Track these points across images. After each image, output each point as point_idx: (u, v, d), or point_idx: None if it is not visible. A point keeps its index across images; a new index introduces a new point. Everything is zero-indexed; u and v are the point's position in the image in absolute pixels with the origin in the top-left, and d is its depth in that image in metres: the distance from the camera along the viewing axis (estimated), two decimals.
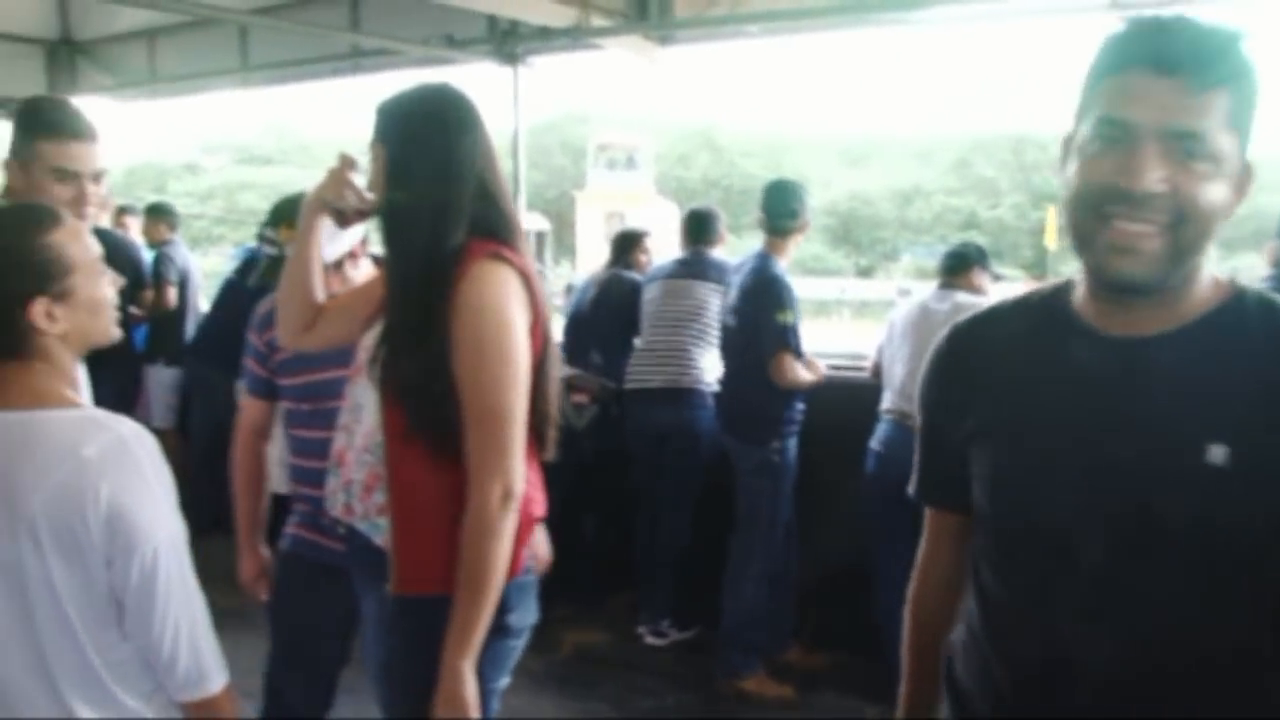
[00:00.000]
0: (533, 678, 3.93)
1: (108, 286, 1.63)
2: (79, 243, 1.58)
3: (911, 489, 1.52)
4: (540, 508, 2.00)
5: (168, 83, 7.29)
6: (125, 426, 1.53)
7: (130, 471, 1.49)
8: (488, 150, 1.93)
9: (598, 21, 4.92)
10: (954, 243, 4.21)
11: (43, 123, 2.24)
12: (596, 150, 31.17)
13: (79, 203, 2.22)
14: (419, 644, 1.86)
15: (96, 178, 2.25)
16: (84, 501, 1.45)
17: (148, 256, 6.18)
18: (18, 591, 1.49)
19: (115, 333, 1.66)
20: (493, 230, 1.90)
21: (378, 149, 1.90)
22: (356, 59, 6.35)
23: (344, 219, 2.03)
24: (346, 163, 2.02)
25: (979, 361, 1.39)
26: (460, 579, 1.80)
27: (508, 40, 5.38)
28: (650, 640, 4.60)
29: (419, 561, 1.86)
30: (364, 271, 2.54)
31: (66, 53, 7.61)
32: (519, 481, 1.82)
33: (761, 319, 4.01)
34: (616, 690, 4.18)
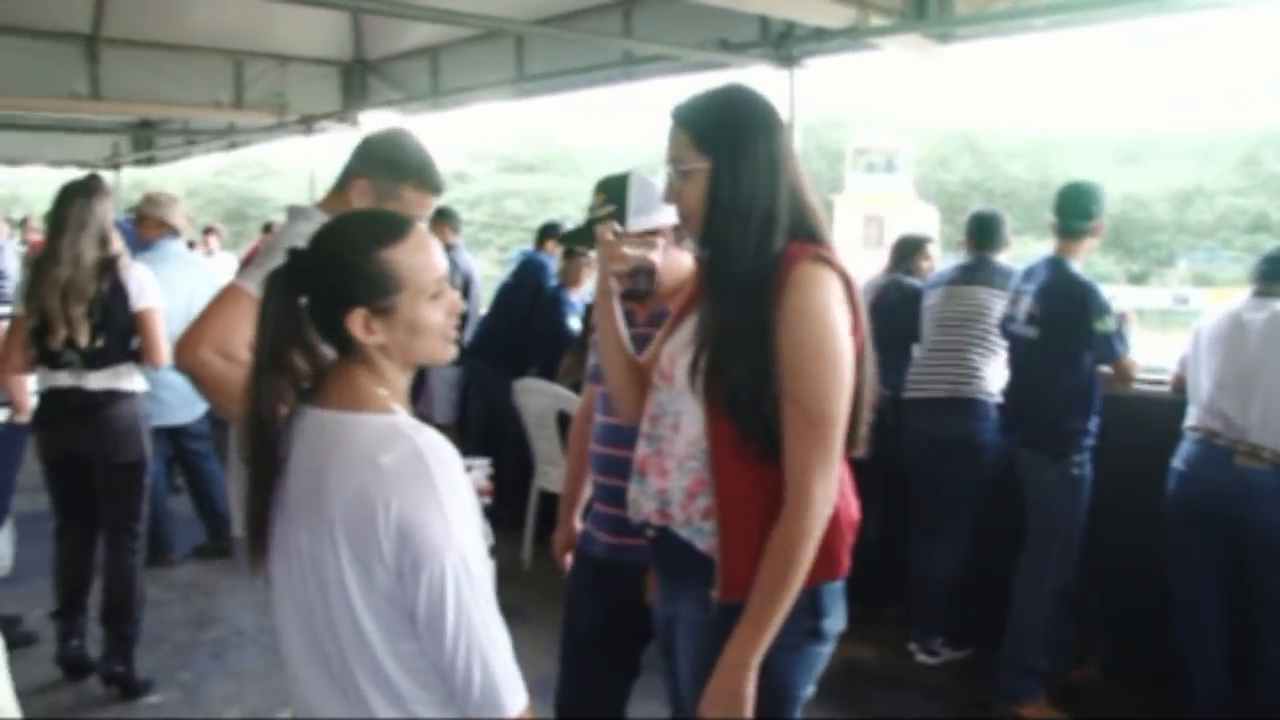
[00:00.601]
0: None
1: (438, 311, 1.59)
2: (419, 261, 1.56)
3: None
4: (857, 510, 1.97)
5: (448, 95, 7.65)
6: (423, 437, 1.49)
7: (421, 484, 1.46)
8: (791, 149, 1.92)
9: (876, 21, 4.79)
10: (1273, 247, 3.84)
11: (416, 172, 2.44)
12: (855, 154, 30.78)
13: None
14: None
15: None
16: (375, 512, 1.44)
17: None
18: (318, 586, 1.51)
19: (446, 354, 1.62)
20: (808, 231, 1.89)
21: (691, 156, 1.88)
22: (628, 66, 6.44)
23: (635, 291, 2.11)
24: (610, 239, 2.04)
25: None
26: (764, 577, 1.80)
27: (783, 42, 5.32)
28: (922, 658, 4.45)
29: (746, 568, 1.84)
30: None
31: (359, 71, 8.14)
32: (835, 486, 1.82)
33: (1074, 328, 3.79)
34: (887, 708, 4.06)
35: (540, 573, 4.98)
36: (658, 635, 2.20)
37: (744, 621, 1.81)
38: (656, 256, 2.17)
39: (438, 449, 1.49)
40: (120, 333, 3.92)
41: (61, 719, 3.83)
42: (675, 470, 1.93)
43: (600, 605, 2.59)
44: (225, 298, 2.23)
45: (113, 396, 3.96)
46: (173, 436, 5.54)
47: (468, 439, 6.17)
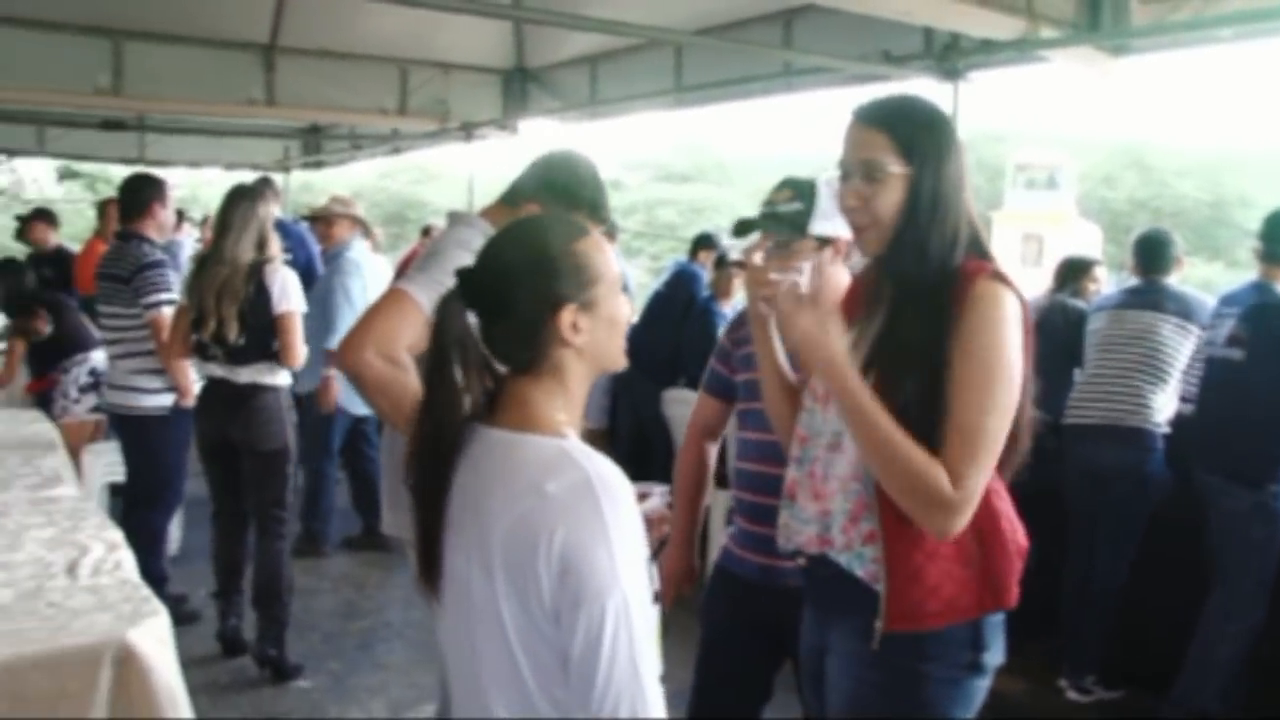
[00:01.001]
0: None
1: (626, 305, 1.56)
2: (603, 255, 1.53)
3: None
4: (1024, 536, 1.91)
5: (606, 104, 7.71)
6: (594, 466, 1.39)
7: (589, 516, 1.35)
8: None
9: (1046, 32, 4.62)
10: None
11: (590, 203, 2.43)
12: (1015, 169, 29.95)
13: None
14: (903, 681, 1.82)
15: None
16: (537, 542, 1.34)
17: None
18: (473, 616, 1.43)
19: (624, 359, 1.58)
20: (980, 249, 1.84)
21: (890, 159, 1.80)
22: (787, 77, 6.37)
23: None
24: (756, 264, 2.00)
25: None
26: (886, 442, 1.72)
27: (948, 55, 5.18)
28: (1073, 695, 4.27)
29: (911, 597, 1.79)
30: None
31: (520, 79, 8.28)
32: (972, 507, 1.74)
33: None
34: None
35: None
36: (803, 664, 2.14)
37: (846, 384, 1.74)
38: (804, 282, 2.12)
39: (609, 480, 1.38)
40: (260, 333, 4.11)
41: (218, 693, 4.00)
42: (838, 492, 1.87)
43: (745, 625, 2.55)
44: (390, 301, 2.23)
45: (257, 389, 4.17)
46: (354, 426, 5.75)
47: (616, 446, 6.21)
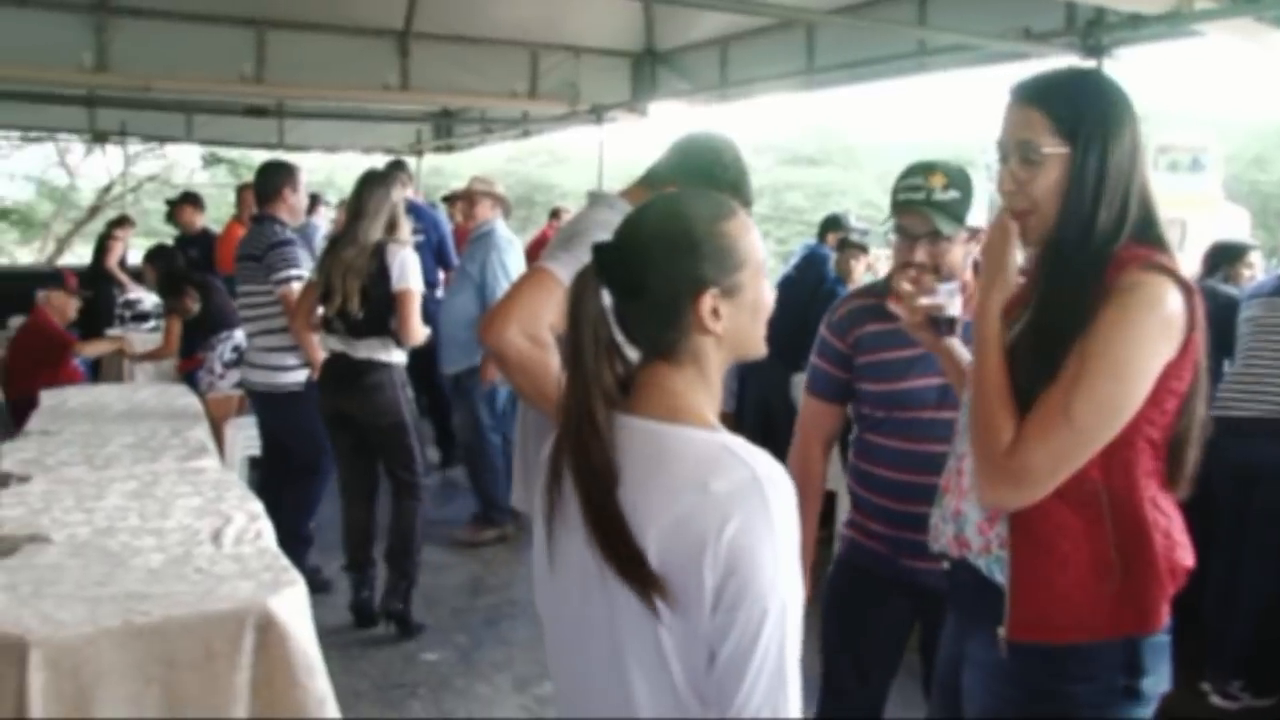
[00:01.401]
0: None
1: (771, 291, 1.47)
2: (751, 237, 1.43)
3: None
4: (1190, 556, 1.74)
5: (736, 87, 7.66)
6: (761, 465, 1.32)
7: (758, 517, 1.29)
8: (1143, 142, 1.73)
9: (1201, 4, 4.40)
10: None
11: (733, 186, 2.34)
12: (1158, 151, 28.75)
13: None
14: (1044, 702, 1.70)
15: None
16: (703, 542, 1.28)
17: None
18: (613, 613, 1.36)
19: (765, 347, 1.47)
20: (1152, 236, 1.70)
21: (1048, 140, 1.68)
22: (922, 57, 6.22)
23: (944, 320, 2.00)
24: (906, 289, 1.97)
25: None
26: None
27: (1092, 30, 4.99)
28: (1217, 700, 4.08)
29: (1041, 606, 1.68)
30: None
31: (649, 62, 8.27)
32: (1031, 494, 1.63)
33: None
34: None
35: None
36: (938, 672, 2.03)
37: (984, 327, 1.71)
38: (955, 306, 2.03)
39: (776, 479, 1.32)
40: (378, 309, 4.27)
41: (349, 661, 4.12)
42: (972, 491, 1.76)
43: (883, 624, 2.50)
44: (532, 280, 2.20)
45: (372, 365, 4.33)
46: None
47: (742, 429, 6.16)
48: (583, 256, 2.08)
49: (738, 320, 1.41)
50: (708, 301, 1.37)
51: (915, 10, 5.96)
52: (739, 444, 1.34)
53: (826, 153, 28.91)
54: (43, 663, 2.26)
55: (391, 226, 4.34)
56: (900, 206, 2.32)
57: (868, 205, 21.03)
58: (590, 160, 9.84)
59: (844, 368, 2.53)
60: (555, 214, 10.56)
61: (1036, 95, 1.72)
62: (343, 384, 4.35)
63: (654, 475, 1.33)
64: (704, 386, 1.41)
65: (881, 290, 2.43)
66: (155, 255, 7.01)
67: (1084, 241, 1.67)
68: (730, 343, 1.42)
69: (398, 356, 4.40)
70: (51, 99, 9.23)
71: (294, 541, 4.25)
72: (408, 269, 4.30)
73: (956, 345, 2.05)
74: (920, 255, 2.27)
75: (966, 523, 1.78)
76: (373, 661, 4.19)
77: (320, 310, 4.38)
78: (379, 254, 4.26)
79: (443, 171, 18.85)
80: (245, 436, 5.70)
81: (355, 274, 4.23)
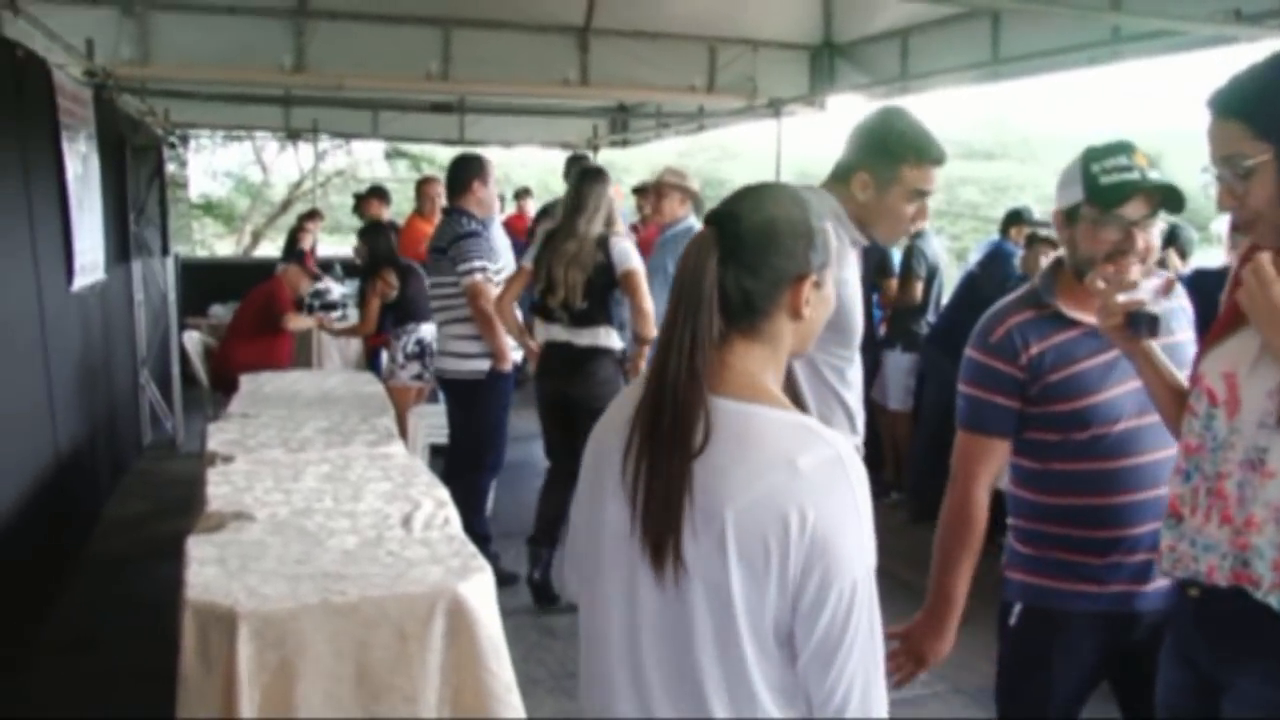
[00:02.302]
0: None
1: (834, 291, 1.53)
2: (834, 241, 1.51)
3: None
4: None
5: (917, 79, 7.47)
6: (841, 443, 1.36)
7: (843, 493, 1.33)
8: None
9: None
10: None
11: (912, 148, 2.37)
12: None
13: (918, 218, 2.49)
14: None
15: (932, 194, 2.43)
16: (788, 518, 1.30)
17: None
18: (688, 593, 1.36)
19: (811, 347, 1.54)
20: None
21: (1250, 148, 1.60)
22: (1116, 45, 5.91)
23: (1146, 317, 1.87)
24: (1101, 287, 1.88)
25: None
26: None
27: None
28: None
29: None
30: None
31: (827, 55, 8.15)
32: None
33: None
34: None
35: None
36: (1164, 699, 1.89)
37: None
38: (1156, 304, 1.90)
39: (855, 458, 1.37)
40: (602, 296, 4.47)
41: (527, 649, 4.18)
42: (1269, 522, 1.62)
43: (1094, 655, 2.25)
44: None
45: (595, 352, 4.53)
46: None
47: (919, 427, 6.04)
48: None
49: (818, 311, 1.49)
50: (807, 288, 1.45)
51: None
52: (819, 424, 1.40)
53: (1003, 146, 27.98)
54: (250, 634, 2.38)
55: (609, 221, 4.53)
56: (1112, 191, 2.08)
57: (1045, 200, 20.24)
58: (761, 155, 9.79)
59: (1018, 395, 2.23)
60: None
61: (1230, 105, 1.63)
62: (565, 369, 4.56)
63: (740, 453, 1.35)
64: (775, 367, 1.47)
65: (1035, 299, 2.24)
66: (368, 231, 7.26)
67: None
68: (803, 331, 1.48)
69: (617, 342, 4.58)
70: (251, 99, 9.82)
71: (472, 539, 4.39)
72: (629, 252, 4.51)
73: (1156, 349, 1.93)
74: (1141, 243, 2.08)
75: (1257, 556, 1.64)
76: (550, 650, 4.26)
77: (543, 302, 4.60)
78: (603, 245, 4.46)
79: (615, 166, 19.05)
80: (428, 425, 5.88)
81: (578, 266, 4.43)
